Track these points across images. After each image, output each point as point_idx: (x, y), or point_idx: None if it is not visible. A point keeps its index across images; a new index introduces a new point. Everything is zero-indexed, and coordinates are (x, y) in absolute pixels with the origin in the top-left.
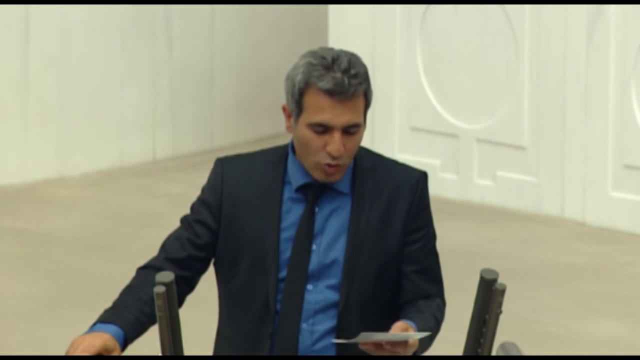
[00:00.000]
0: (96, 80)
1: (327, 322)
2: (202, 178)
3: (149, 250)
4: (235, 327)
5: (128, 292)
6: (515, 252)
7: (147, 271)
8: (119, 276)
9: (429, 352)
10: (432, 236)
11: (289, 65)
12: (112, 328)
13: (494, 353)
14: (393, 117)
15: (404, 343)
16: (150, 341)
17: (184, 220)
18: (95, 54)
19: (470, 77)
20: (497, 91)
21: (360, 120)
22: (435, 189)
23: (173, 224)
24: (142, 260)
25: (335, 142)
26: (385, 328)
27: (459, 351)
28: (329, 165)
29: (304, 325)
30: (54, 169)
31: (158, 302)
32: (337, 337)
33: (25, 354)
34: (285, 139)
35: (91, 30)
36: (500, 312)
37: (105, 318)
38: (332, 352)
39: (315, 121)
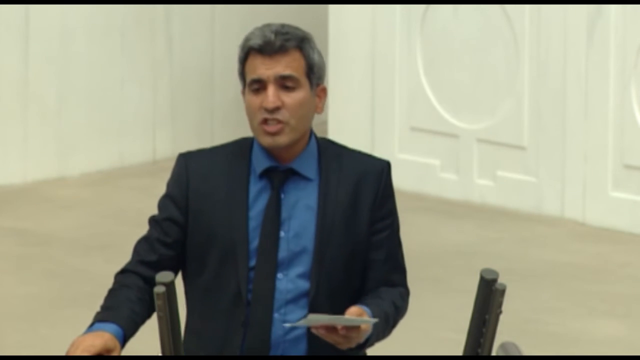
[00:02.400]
0: (96, 80)
1: (299, 312)
2: None
3: None
4: (206, 321)
5: (114, 294)
6: (515, 252)
7: (124, 275)
8: None
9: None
10: (397, 225)
11: None
12: (112, 327)
13: (494, 353)
14: (393, 117)
15: (357, 328)
16: (150, 341)
17: (152, 220)
18: (95, 54)
19: (470, 77)
20: (497, 91)
21: (295, 73)
22: (435, 189)
23: None
24: None
25: (268, 94)
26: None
27: (459, 351)
28: (266, 121)
29: (275, 315)
30: (54, 169)
31: (158, 302)
32: (308, 330)
33: (25, 354)
34: None
35: (91, 30)
36: (500, 312)
37: (103, 317)
38: (303, 342)
39: (250, 79)
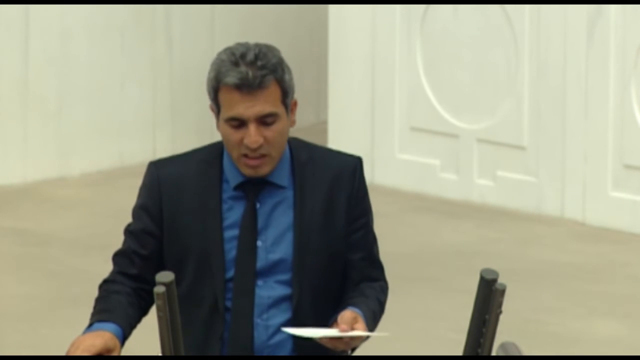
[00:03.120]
0: (96, 80)
1: (281, 316)
2: None
3: None
4: (184, 331)
5: (105, 300)
6: (515, 252)
7: (110, 284)
8: None
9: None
10: (371, 221)
11: (289, 65)
12: (112, 326)
13: (494, 353)
14: (393, 117)
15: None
16: (150, 341)
17: (127, 231)
18: (95, 54)
19: (470, 77)
20: (497, 91)
21: (276, 109)
22: (435, 189)
23: None
24: None
25: (250, 134)
26: (335, 317)
27: (459, 351)
28: (249, 157)
29: (258, 321)
30: (54, 169)
31: (158, 302)
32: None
33: (25, 354)
34: None
35: (91, 30)
36: (500, 312)
37: (102, 318)
38: (288, 345)
39: (228, 116)
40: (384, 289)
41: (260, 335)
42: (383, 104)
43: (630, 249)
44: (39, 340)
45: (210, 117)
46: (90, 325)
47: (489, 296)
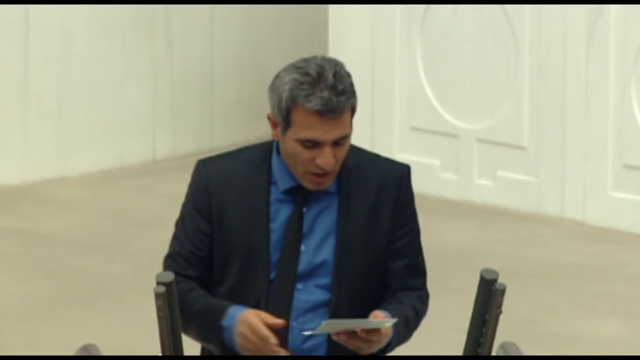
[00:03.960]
0: (96, 80)
1: (317, 320)
2: None
3: (149, 250)
4: None
5: (191, 299)
6: (515, 252)
7: (178, 287)
8: (119, 276)
9: (429, 352)
10: (417, 230)
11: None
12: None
13: (494, 353)
14: (393, 117)
15: (377, 331)
16: (150, 341)
17: (180, 232)
18: (95, 54)
19: (470, 77)
20: (497, 91)
21: (349, 130)
22: (435, 189)
23: (173, 224)
24: (142, 260)
25: (325, 156)
26: None
27: (459, 351)
28: (318, 175)
29: (293, 324)
30: (54, 169)
31: (158, 302)
32: (328, 337)
33: (25, 354)
34: None
35: (91, 30)
36: (500, 312)
37: (226, 303)
38: (322, 350)
39: (305, 137)
40: (422, 299)
41: (294, 338)
42: (383, 104)
43: (630, 249)
44: (39, 340)
45: (210, 117)
46: (221, 324)
47: (489, 296)
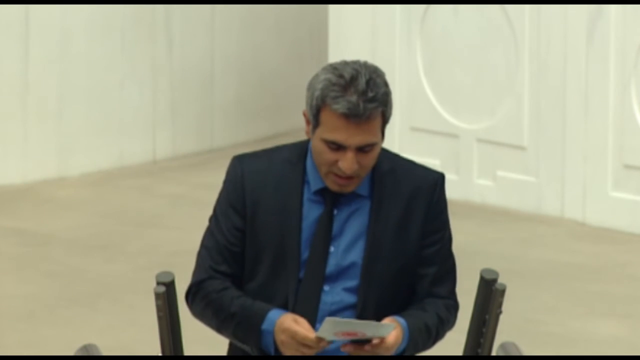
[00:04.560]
0: (96, 80)
1: None
2: (202, 178)
3: (149, 250)
4: None
5: (226, 300)
6: (515, 252)
7: (208, 284)
8: (119, 276)
9: (429, 352)
10: (449, 238)
11: (289, 65)
12: (275, 312)
13: (494, 353)
14: (393, 117)
15: (382, 343)
16: (150, 341)
17: (215, 228)
18: (95, 54)
19: (470, 77)
20: (497, 91)
21: (376, 139)
22: None
23: (173, 224)
24: (142, 260)
25: (347, 160)
26: None
27: (459, 351)
28: (339, 177)
29: (318, 326)
30: (54, 169)
31: (158, 302)
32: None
33: (25, 354)
34: (285, 139)
35: (91, 30)
36: (500, 312)
37: (265, 306)
38: (345, 353)
39: (329, 138)
40: (449, 307)
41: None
42: None
43: (630, 249)
44: (39, 340)
45: (210, 117)
46: (259, 326)
47: (489, 296)
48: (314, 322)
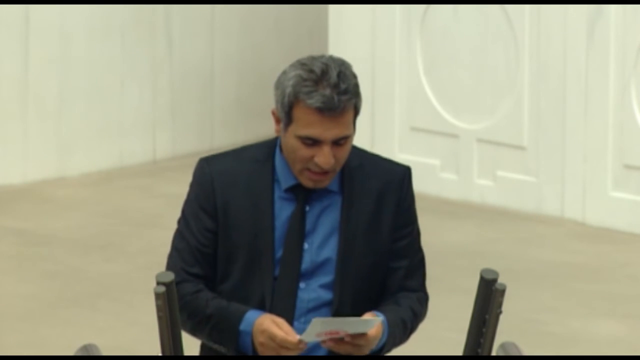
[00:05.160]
0: (96, 80)
1: None
2: None
3: (149, 250)
4: None
5: (205, 302)
6: (515, 252)
7: (179, 287)
8: (119, 276)
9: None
10: (418, 231)
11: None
12: (251, 313)
13: (494, 353)
14: (393, 117)
15: (364, 335)
16: (150, 341)
17: (184, 230)
18: (95, 54)
19: (470, 77)
20: (497, 91)
21: (350, 131)
22: (435, 189)
23: (173, 224)
24: (142, 261)
25: (324, 155)
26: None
27: (459, 351)
28: (315, 172)
29: (295, 324)
30: (54, 169)
31: (158, 302)
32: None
33: (25, 354)
34: None
35: (91, 30)
36: (500, 312)
37: (242, 307)
38: (323, 350)
39: (304, 134)
40: (421, 300)
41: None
42: (383, 104)
43: (630, 249)
44: (39, 340)
45: (210, 117)
46: (237, 329)
47: (489, 296)
48: (291, 320)
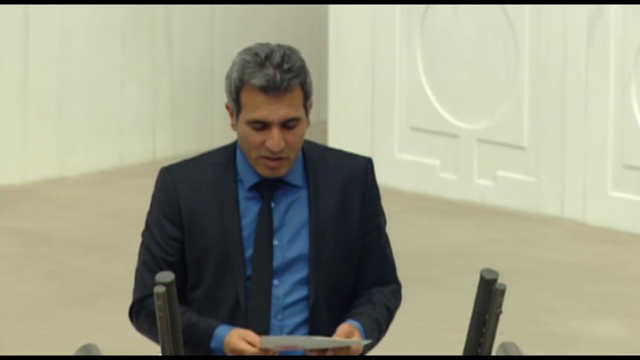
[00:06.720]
0: (96, 80)
1: (296, 317)
2: None
3: None
4: None
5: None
6: (515, 252)
7: (149, 302)
8: (119, 276)
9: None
10: (384, 222)
11: None
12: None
13: (494, 353)
14: (393, 117)
15: (346, 347)
16: (150, 341)
17: (149, 241)
18: (95, 54)
19: (470, 77)
20: (497, 91)
21: (299, 113)
22: (435, 189)
23: None
24: None
25: (273, 137)
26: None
27: (459, 351)
28: (269, 158)
29: (273, 321)
30: (54, 169)
31: (158, 302)
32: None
33: (25, 354)
34: None
35: (91, 30)
36: (500, 312)
37: (211, 323)
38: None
39: (252, 118)
40: (394, 293)
41: (274, 335)
42: (383, 104)
43: (630, 249)
44: (39, 340)
45: (210, 117)
46: (211, 337)
47: (489, 296)
48: (268, 317)
